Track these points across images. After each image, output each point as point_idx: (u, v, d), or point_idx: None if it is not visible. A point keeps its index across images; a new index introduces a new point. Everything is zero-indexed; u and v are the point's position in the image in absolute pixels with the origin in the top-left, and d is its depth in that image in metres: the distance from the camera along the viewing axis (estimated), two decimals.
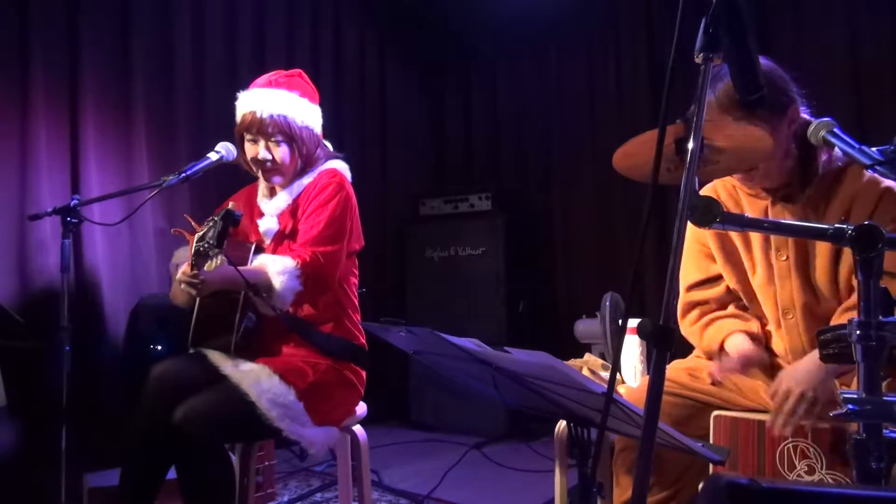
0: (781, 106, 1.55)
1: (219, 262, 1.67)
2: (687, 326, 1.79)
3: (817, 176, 1.59)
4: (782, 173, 1.60)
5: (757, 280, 1.68)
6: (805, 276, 1.61)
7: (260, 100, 1.95)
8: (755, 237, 1.67)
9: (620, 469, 1.67)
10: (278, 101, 1.95)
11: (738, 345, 1.64)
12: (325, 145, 2.11)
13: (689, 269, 1.80)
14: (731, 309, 1.75)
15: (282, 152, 1.96)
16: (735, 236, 1.71)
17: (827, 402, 1.43)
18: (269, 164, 1.97)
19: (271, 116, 1.93)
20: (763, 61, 1.60)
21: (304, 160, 2.01)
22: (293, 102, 1.98)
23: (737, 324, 1.70)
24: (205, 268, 1.66)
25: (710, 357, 1.74)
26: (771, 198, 1.65)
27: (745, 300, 1.74)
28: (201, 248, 1.70)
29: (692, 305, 1.79)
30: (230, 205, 1.72)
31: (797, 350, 1.61)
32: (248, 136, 1.98)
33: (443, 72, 4.77)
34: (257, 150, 1.96)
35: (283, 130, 1.95)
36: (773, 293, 1.65)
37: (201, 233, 1.72)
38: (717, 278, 1.77)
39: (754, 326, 1.69)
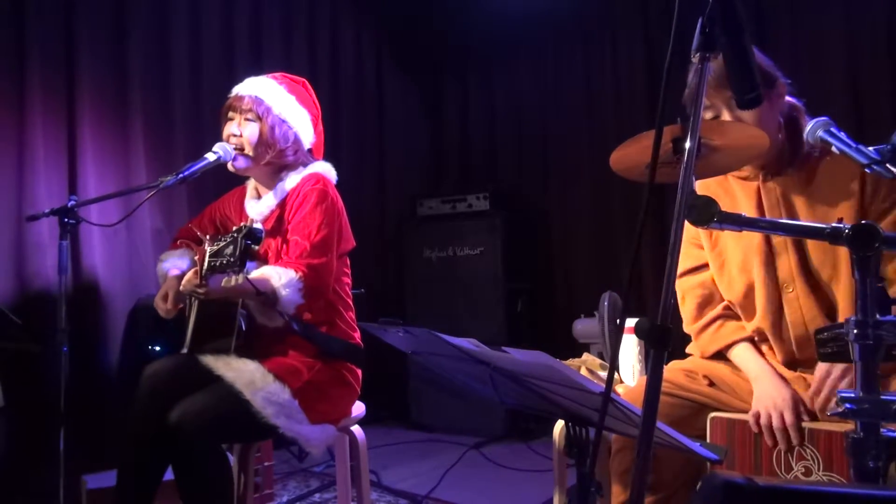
0: (771, 80, 1.60)
1: (240, 280, 1.64)
2: (688, 324, 1.81)
3: (804, 146, 1.59)
4: (776, 147, 1.62)
5: (754, 260, 1.67)
6: (801, 249, 1.62)
7: (247, 83, 2.03)
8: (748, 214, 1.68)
9: (618, 469, 1.67)
10: (261, 85, 2.02)
11: (746, 360, 1.67)
12: (306, 153, 2.08)
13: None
14: (721, 308, 1.76)
15: (249, 131, 1.98)
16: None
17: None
18: (234, 139, 1.98)
19: (249, 95, 1.99)
20: None
21: (274, 154, 1.99)
22: (276, 92, 2.02)
23: (736, 330, 1.72)
24: (222, 283, 1.64)
25: (704, 356, 1.76)
26: (761, 175, 1.67)
27: (725, 286, 1.75)
28: (216, 264, 1.66)
29: (683, 295, 1.82)
30: (254, 223, 1.70)
31: (798, 323, 1.62)
32: (228, 117, 2.02)
33: (440, 72, 4.77)
34: (230, 127, 2.00)
35: (254, 109, 1.98)
36: (773, 269, 1.65)
37: (216, 248, 1.68)
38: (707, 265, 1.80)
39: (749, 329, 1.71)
